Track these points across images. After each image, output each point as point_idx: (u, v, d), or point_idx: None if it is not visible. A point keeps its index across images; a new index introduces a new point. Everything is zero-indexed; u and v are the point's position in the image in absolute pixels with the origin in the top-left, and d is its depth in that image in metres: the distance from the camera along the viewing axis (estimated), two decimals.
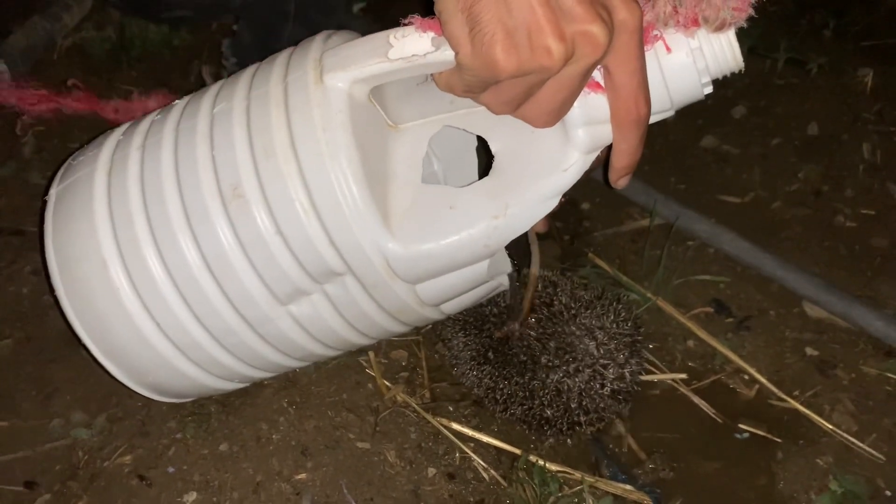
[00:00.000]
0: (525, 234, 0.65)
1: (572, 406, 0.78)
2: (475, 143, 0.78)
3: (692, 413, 0.86)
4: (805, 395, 0.87)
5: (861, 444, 0.82)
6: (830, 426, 0.84)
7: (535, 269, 0.79)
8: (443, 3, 0.52)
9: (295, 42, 0.73)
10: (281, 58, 0.66)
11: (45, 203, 0.71)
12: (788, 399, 0.86)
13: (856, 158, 1.11)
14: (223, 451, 0.77)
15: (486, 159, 0.75)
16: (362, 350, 0.85)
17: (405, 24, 0.58)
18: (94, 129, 1.10)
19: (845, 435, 0.83)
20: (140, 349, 0.67)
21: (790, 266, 0.96)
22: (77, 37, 1.24)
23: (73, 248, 0.66)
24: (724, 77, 0.60)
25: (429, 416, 0.81)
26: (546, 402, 0.78)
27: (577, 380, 0.77)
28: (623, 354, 0.78)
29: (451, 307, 0.71)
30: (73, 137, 1.09)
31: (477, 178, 0.78)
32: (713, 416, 0.85)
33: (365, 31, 1.16)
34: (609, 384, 0.78)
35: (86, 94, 0.92)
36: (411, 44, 0.57)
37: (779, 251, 0.99)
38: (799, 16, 1.35)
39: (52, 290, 0.68)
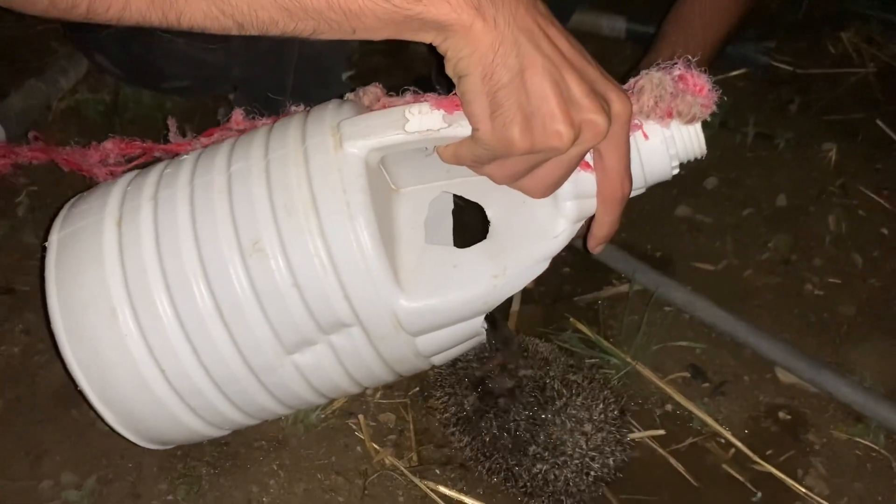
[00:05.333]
0: None
1: (559, 490, 0.80)
2: (451, 206, 0.83)
3: (671, 475, 0.89)
4: (779, 458, 0.90)
5: None
6: (804, 489, 0.87)
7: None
8: (468, 85, 0.58)
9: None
10: (294, 122, 0.70)
11: (44, 248, 0.72)
12: (763, 463, 0.89)
13: (822, 229, 1.17)
14: None
15: (461, 220, 0.81)
16: (351, 413, 0.87)
17: (421, 101, 0.66)
18: (88, 187, 1.13)
19: (818, 498, 0.86)
20: (138, 394, 0.69)
21: (762, 333, 1.00)
22: (72, 99, 1.26)
23: (80, 296, 0.68)
24: (692, 159, 0.69)
25: (416, 480, 0.82)
26: (531, 491, 0.80)
27: (564, 470, 0.79)
28: (610, 446, 0.80)
29: (440, 358, 0.77)
30: (68, 198, 1.10)
31: (451, 238, 0.83)
32: (690, 479, 0.88)
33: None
34: (595, 472, 0.79)
35: (42, 143, 0.94)
36: (427, 119, 0.64)
37: (751, 318, 1.03)
38: (766, 91, 1.42)
39: (51, 333, 0.70)
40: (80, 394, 0.71)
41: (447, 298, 0.68)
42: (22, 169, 1.08)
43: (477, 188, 0.71)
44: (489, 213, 0.71)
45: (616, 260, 1.10)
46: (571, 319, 1.03)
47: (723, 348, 1.01)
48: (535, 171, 0.63)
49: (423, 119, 0.64)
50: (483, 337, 0.77)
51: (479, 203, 0.72)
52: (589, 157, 0.64)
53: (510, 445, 0.79)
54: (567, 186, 0.65)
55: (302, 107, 0.76)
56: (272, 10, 0.53)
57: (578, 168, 0.64)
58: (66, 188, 1.12)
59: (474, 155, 0.63)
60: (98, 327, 0.67)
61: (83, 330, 0.68)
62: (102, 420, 0.72)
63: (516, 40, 0.56)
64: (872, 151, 1.30)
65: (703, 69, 0.65)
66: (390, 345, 0.70)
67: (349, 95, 0.73)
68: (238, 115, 0.78)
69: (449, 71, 0.59)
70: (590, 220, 0.70)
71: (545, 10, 0.59)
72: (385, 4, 0.54)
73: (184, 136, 0.82)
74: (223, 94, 1.15)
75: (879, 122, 1.34)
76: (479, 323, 0.72)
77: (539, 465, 0.78)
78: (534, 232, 0.69)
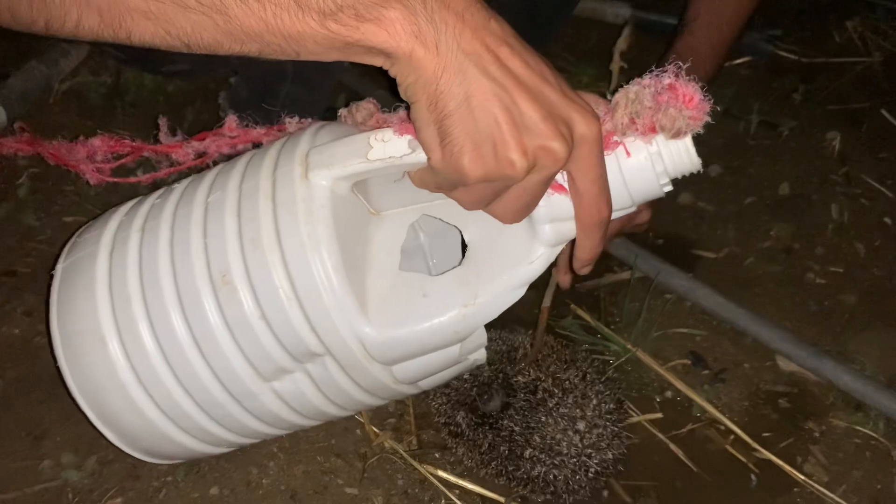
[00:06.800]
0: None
1: (560, 489, 0.80)
2: (433, 230, 0.82)
3: (670, 461, 0.89)
4: (778, 445, 0.90)
5: (832, 495, 0.85)
6: (802, 476, 0.87)
7: (545, 308, 0.81)
8: (417, 113, 0.56)
9: (292, 99, 0.76)
10: (272, 150, 0.70)
11: (51, 277, 0.74)
12: (762, 450, 0.89)
13: (825, 218, 1.17)
14: (213, 494, 0.78)
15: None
16: None
17: (385, 126, 0.63)
18: None
19: (817, 486, 0.86)
20: (134, 418, 0.70)
21: (763, 321, 0.99)
22: (73, 81, 1.26)
23: (75, 324, 0.70)
24: (685, 174, 0.64)
25: (415, 463, 0.83)
26: (534, 490, 0.81)
27: (563, 470, 0.79)
28: (605, 441, 0.80)
29: (427, 384, 0.75)
30: (69, 180, 1.10)
31: (460, 251, 0.81)
32: (690, 464, 0.88)
33: (355, 84, 1.19)
34: (594, 467, 0.80)
35: (28, 135, 0.94)
36: (390, 146, 0.62)
37: (752, 306, 1.03)
38: (770, 80, 1.42)
39: (54, 359, 0.71)
40: (85, 417, 0.72)
41: (415, 329, 0.66)
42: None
43: (456, 210, 0.67)
44: (466, 237, 0.70)
45: (617, 247, 1.10)
46: (572, 306, 1.03)
47: (723, 336, 1.01)
48: (501, 198, 0.60)
49: (385, 147, 0.62)
50: (469, 362, 0.74)
51: (457, 226, 0.70)
52: (562, 180, 0.61)
53: (507, 452, 0.79)
54: (542, 210, 0.62)
55: (296, 119, 0.75)
56: (215, 32, 0.53)
57: (551, 191, 0.62)
58: (68, 171, 1.11)
59: (435, 182, 0.62)
60: (91, 355, 0.69)
61: (80, 357, 0.70)
62: (107, 440, 0.73)
63: (461, 66, 0.54)
64: (876, 141, 1.29)
65: (693, 77, 0.59)
66: (364, 373, 0.69)
67: (342, 111, 0.71)
68: (231, 121, 0.77)
69: (402, 95, 0.57)
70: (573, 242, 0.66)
71: (499, 29, 0.56)
72: (322, 31, 0.52)
73: (175, 135, 0.81)
74: (224, 77, 1.15)
75: (884, 112, 1.34)
76: (457, 351, 0.70)
77: (538, 468, 0.78)
78: (509, 257, 0.66)
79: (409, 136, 0.62)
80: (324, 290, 0.63)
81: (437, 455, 0.85)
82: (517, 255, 0.66)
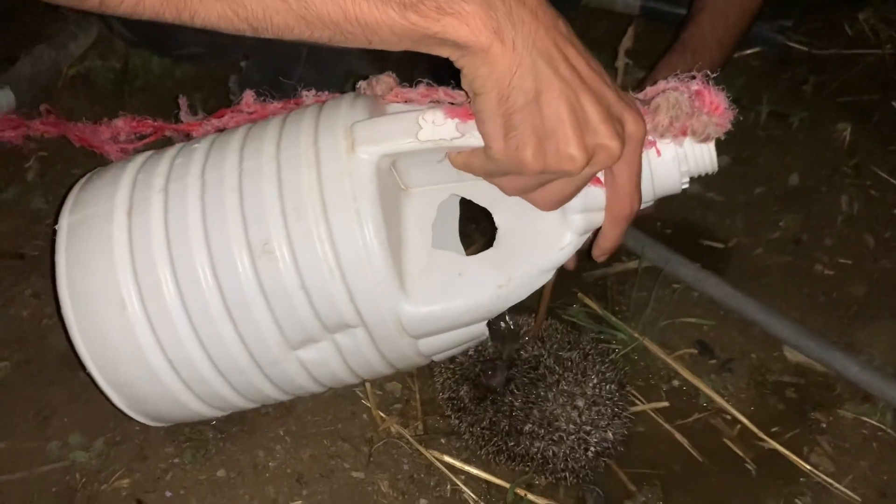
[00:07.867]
0: None
1: (559, 468, 0.80)
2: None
3: (676, 450, 0.89)
4: (785, 436, 0.90)
5: (838, 485, 0.85)
6: (808, 467, 0.87)
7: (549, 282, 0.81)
8: (483, 104, 0.58)
9: (305, 84, 0.76)
10: (307, 118, 0.69)
11: (55, 232, 0.72)
12: (768, 439, 0.89)
13: (834, 209, 1.16)
14: (220, 477, 0.78)
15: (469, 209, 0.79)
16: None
17: (434, 106, 0.65)
18: (98, 156, 1.12)
19: (823, 476, 0.86)
20: (147, 382, 0.70)
21: (771, 311, 0.99)
22: (82, 66, 1.26)
23: (90, 285, 0.69)
24: (702, 174, 0.69)
25: (421, 448, 0.83)
26: (535, 470, 0.81)
27: (561, 447, 0.79)
28: (605, 420, 0.80)
29: (441, 356, 0.78)
30: (77, 163, 1.11)
31: (456, 233, 0.84)
32: (695, 454, 0.88)
33: (365, 70, 1.19)
34: (593, 447, 0.80)
35: (54, 117, 0.95)
36: (440, 128, 0.64)
37: (760, 296, 1.02)
38: (780, 71, 1.41)
39: (60, 316, 0.70)
40: (88, 376, 0.71)
41: (451, 306, 0.69)
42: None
43: (486, 193, 0.71)
44: (497, 220, 0.72)
45: (626, 236, 1.09)
46: (579, 294, 1.03)
47: (731, 326, 1.01)
48: (545, 187, 0.63)
49: (436, 129, 0.64)
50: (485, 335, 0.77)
51: (488, 208, 0.72)
52: (600, 174, 0.65)
53: (507, 427, 0.79)
54: (576, 201, 0.66)
55: (313, 92, 0.75)
56: (288, 17, 0.53)
57: (589, 184, 0.65)
58: (76, 153, 1.11)
59: (485, 168, 0.63)
60: (107, 317, 0.68)
61: (92, 318, 0.69)
62: (109, 401, 0.73)
63: (534, 63, 0.55)
64: (887, 133, 1.29)
65: (721, 87, 0.64)
66: (392, 345, 0.71)
67: (362, 84, 0.72)
68: (249, 97, 0.77)
69: (465, 86, 0.58)
70: (596, 230, 0.70)
71: (565, 29, 0.58)
72: (402, 21, 0.53)
73: (195, 114, 0.82)
74: (234, 62, 1.14)
75: (894, 104, 1.33)
76: (482, 327, 0.73)
77: (537, 444, 0.79)
78: (540, 242, 0.69)
79: (456, 120, 0.63)
80: (368, 265, 0.65)
81: (442, 441, 0.85)
82: (548, 241, 0.69)
